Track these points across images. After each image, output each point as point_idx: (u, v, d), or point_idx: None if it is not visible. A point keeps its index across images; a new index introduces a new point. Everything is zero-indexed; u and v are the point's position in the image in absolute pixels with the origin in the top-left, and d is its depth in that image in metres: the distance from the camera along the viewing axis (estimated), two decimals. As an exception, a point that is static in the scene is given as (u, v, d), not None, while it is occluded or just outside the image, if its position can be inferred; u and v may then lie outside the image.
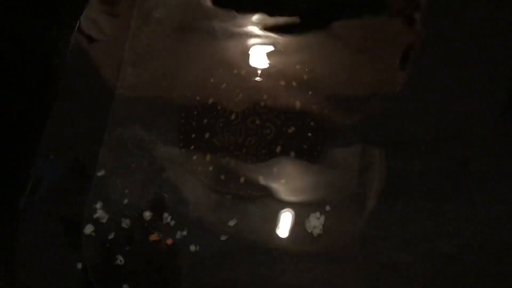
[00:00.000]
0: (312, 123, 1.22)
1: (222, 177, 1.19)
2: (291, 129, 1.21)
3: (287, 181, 1.17)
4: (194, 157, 1.22)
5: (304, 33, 1.36)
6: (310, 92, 1.27)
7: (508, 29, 1.27)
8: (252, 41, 1.38)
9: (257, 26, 1.40)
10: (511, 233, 1.04)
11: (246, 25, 1.40)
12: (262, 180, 1.17)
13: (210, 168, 1.20)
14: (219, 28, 1.42)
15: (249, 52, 1.37)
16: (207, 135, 1.24)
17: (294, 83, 1.29)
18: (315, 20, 1.38)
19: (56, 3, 1.41)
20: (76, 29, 1.43)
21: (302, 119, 1.23)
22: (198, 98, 1.31)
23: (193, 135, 1.25)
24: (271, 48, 1.36)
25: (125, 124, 1.30)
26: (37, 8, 1.36)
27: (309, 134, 1.21)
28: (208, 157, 1.21)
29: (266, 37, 1.38)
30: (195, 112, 1.28)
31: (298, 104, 1.25)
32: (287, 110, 1.24)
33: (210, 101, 1.29)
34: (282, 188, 1.16)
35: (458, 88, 1.22)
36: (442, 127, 1.18)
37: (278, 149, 1.19)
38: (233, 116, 1.24)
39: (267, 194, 1.16)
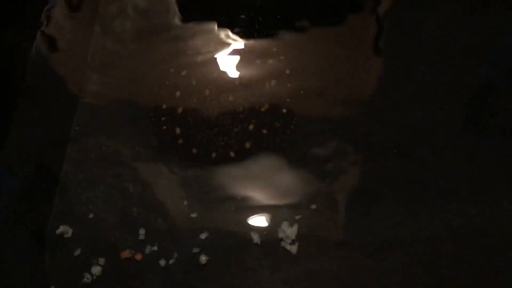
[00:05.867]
0: (288, 100, 1.23)
1: (194, 150, 1.18)
2: (265, 107, 1.22)
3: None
4: (164, 127, 1.22)
5: (277, 30, 1.37)
6: (287, 71, 1.28)
7: (473, 35, 1.29)
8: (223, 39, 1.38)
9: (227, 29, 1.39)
10: (486, 237, 1.05)
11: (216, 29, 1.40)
12: (233, 155, 1.17)
13: (180, 141, 1.20)
14: (186, 31, 1.39)
15: (222, 41, 1.37)
16: (180, 110, 1.23)
17: (270, 61, 1.29)
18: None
19: (16, 8, 1.34)
20: (37, 36, 1.37)
21: (277, 97, 1.24)
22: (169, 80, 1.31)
23: (164, 106, 1.25)
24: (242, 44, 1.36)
25: (89, 134, 1.25)
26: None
27: (284, 111, 1.22)
28: (178, 130, 1.21)
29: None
30: (166, 86, 1.29)
31: (273, 83, 1.26)
32: (262, 87, 1.25)
33: (184, 73, 1.29)
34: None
35: (427, 93, 1.23)
36: (412, 131, 1.19)
37: (251, 127, 1.20)
38: (207, 92, 1.24)
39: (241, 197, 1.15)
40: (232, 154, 1.18)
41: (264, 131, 1.20)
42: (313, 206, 1.12)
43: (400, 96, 1.23)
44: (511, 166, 1.12)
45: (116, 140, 1.24)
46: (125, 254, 1.09)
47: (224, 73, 1.30)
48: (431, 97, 1.23)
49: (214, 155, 1.18)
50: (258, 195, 1.14)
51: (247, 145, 1.19)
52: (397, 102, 1.22)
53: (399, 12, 1.35)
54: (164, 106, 1.26)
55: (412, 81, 1.25)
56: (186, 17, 1.42)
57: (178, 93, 1.27)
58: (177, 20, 1.42)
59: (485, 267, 1.03)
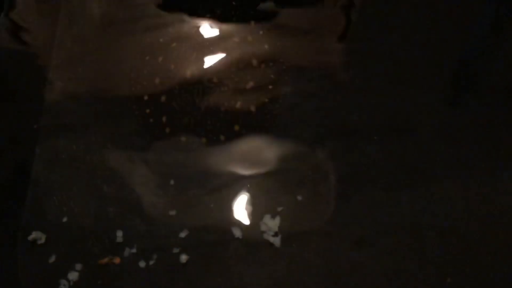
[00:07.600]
0: (272, 76, 1.22)
1: (183, 139, 1.16)
2: (250, 84, 1.21)
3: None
4: (151, 120, 1.19)
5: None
6: (266, 46, 1.27)
7: (454, 16, 1.28)
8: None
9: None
10: (469, 224, 1.05)
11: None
12: (223, 138, 1.16)
13: (167, 130, 1.17)
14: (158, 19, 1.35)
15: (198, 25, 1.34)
16: (163, 97, 1.21)
17: (249, 38, 1.28)
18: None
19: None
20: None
21: (261, 73, 1.23)
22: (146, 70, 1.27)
23: (146, 97, 1.22)
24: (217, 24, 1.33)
25: (57, 134, 1.20)
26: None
27: (270, 87, 1.21)
28: (164, 118, 1.19)
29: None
30: (144, 75, 1.25)
31: (255, 62, 1.25)
32: (245, 67, 1.24)
33: (160, 59, 1.27)
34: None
35: (406, 77, 1.22)
36: (392, 116, 1.17)
37: (238, 104, 1.19)
38: (188, 74, 1.23)
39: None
40: (222, 137, 1.16)
41: (252, 109, 1.18)
42: (295, 197, 1.10)
43: (377, 82, 1.22)
44: (494, 149, 1.12)
45: (87, 139, 1.19)
46: (104, 261, 1.05)
47: (204, 55, 1.27)
48: (409, 80, 1.21)
49: (204, 140, 1.16)
50: (239, 189, 1.11)
51: (236, 127, 1.17)
52: (375, 89, 1.21)
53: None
54: (145, 97, 1.22)
55: (389, 63, 1.24)
56: (158, 3, 1.37)
57: (157, 80, 1.23)
58: (147, 7, 1.37)
59: (468, 252, 1.03)
